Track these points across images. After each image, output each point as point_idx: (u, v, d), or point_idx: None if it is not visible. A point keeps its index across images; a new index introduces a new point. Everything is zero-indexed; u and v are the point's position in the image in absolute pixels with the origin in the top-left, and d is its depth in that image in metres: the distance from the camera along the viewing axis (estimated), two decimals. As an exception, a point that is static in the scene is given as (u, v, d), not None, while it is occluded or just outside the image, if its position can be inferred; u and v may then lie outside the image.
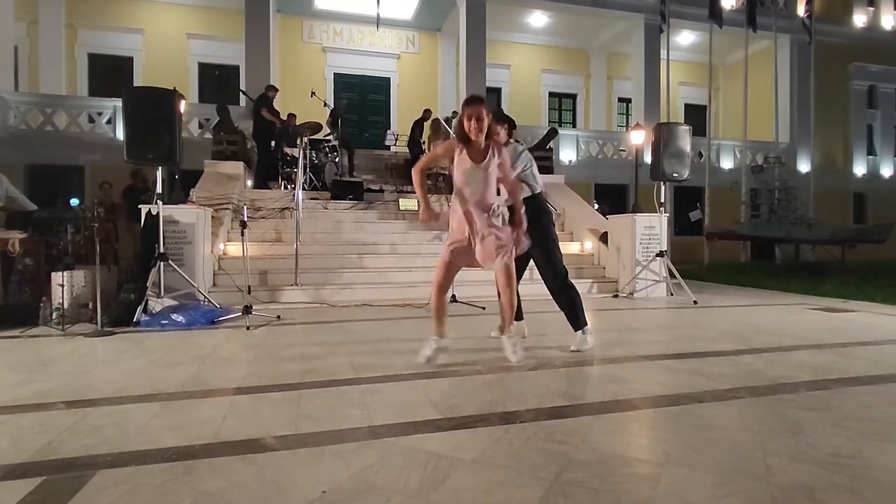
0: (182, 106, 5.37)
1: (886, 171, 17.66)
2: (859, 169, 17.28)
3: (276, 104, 10.15)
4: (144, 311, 4.69)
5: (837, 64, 16.76)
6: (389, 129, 14.31)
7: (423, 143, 11.09)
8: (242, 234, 5.08)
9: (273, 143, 9.59)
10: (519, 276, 3.46)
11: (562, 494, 1.61)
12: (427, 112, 11.38)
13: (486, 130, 3.03)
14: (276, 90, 10.21)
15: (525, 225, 3.14)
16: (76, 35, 13.31)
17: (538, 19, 15.52)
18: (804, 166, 16.07)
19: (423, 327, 3.96)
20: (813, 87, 15.83)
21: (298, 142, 7.16)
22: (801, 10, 15.54)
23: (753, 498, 1.59)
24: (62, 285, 4.59)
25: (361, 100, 14.88)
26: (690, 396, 2.59)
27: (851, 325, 4.71)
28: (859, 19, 17.31)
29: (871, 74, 17.44)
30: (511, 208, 3.23)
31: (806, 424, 2.20)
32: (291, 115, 10.06)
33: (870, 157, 17.52)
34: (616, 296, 6.85)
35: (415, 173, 3.24)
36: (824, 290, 7.13)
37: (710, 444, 2.00)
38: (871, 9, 17.57)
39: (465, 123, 3.03)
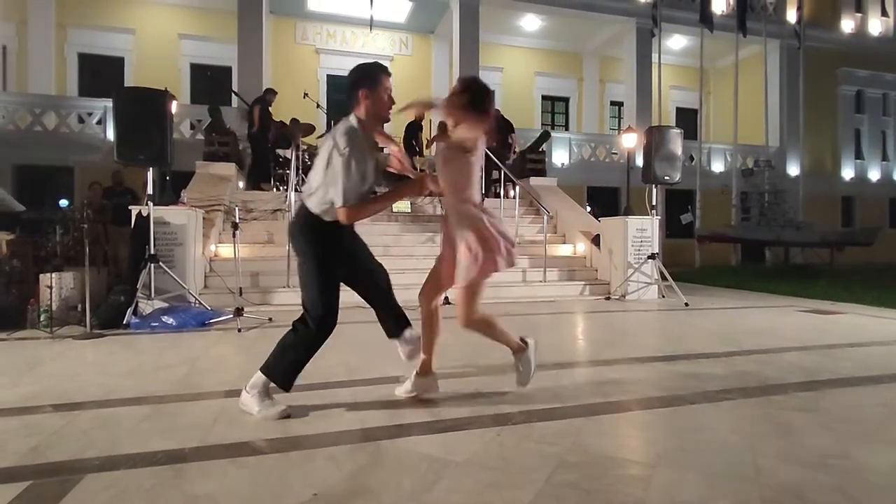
0: (173, 106, 5.33)
1: (874, 175, 17.90)
2: (847, 173, 17.50)
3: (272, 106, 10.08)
4: (134, 313, 4.64)
5: (826, 69, 16.96)
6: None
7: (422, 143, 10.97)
8: (234, 236, 5.05)
9: (270, 144, 9.54)
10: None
11: (553, 496, 1.61)
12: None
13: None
14: (275, 93, 10.12)
15: None
16: (66, 35, 13.17)
17: (531, 22, 15.57)
18: (793, 170, 16.24)
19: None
20: (802, 91, 16.01)
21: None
22: (792, 17, 15.72)
23: (743, 499, 1.60)
24: (50, 287, 4.52)
25: (351, 101, 14.86)
26: (681, 398, 2.61)
27: (840, 327, 4.76)
28: (847, 25, 17.53)
29: (858, 79, 17.67)
30: None
31: (795, 425, 2.22)
32: (294, 120, 10.01)
33: (857, 161, 17.75)
34: (608, 298, 6.87)
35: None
36: (813, 292, 7.20)
37: (700, 445, 2.01)
38: (860, 15, 17.81)
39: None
